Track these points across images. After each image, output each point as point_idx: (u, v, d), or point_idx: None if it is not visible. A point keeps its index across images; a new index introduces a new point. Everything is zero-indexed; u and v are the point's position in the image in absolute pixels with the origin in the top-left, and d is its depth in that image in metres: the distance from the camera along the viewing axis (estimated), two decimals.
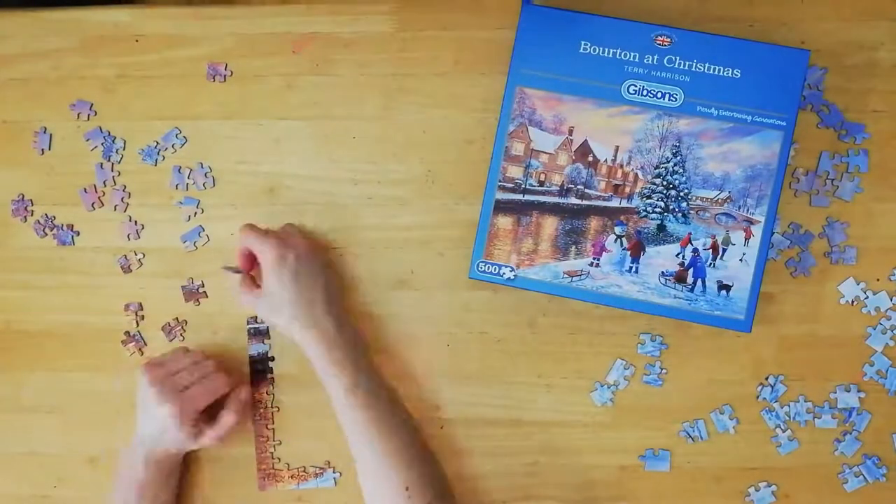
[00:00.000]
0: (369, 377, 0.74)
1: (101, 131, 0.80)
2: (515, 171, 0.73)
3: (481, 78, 0.78)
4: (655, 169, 0.73)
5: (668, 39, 0.71)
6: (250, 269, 0.76)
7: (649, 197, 0.73)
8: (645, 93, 0.72)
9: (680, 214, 0.73)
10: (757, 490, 0.78)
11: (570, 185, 0.74)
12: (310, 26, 0.79)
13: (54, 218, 0.81)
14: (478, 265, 0.74)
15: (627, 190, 0.73)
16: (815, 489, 0.78)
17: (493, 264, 0.74)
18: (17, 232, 0.81)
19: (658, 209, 0.73)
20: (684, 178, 0.72)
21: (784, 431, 0.78)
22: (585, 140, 0.73)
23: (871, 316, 0.78)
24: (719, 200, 0.72)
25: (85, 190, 0.81)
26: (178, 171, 0.80)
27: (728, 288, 0.72)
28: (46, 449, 0.81)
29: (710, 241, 0.73)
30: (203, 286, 0.80)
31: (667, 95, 0.72)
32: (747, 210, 0.72)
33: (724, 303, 0.72)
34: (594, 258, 0.73)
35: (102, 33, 0.80)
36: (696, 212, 0.73)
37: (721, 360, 0.78)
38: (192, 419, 0.73)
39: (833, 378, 0.78)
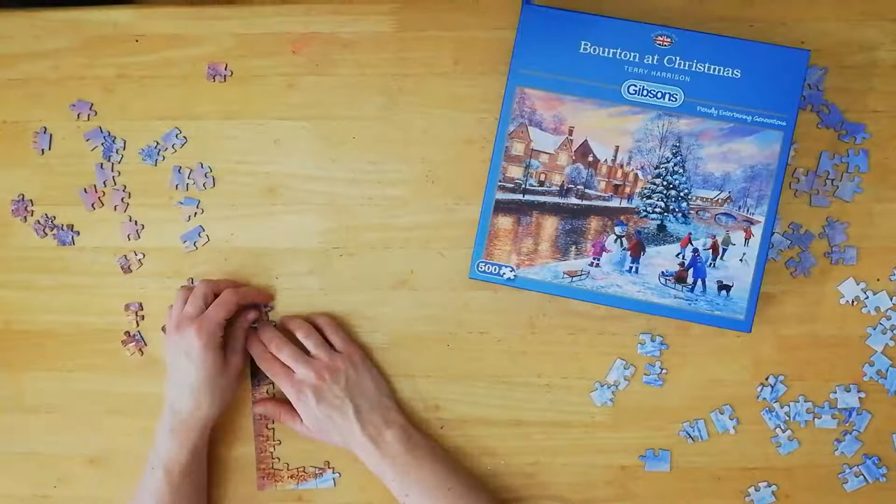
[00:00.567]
0: (420, 480, 0.74)
1: (101, 131, 0.80)
2: (515, 171, 0.74)
3: (481, 78, 0.78)
4: (655, 169, 0.73)
5: (668, 39, 0.71)
6: (285, 407, 0.78)
7: (649, 197, 0.73)
8: (645, 93, 0.72)
9: (680, 214, 0.73)
10: (757, 490, 0.79)
11: (571, 185, 0.74)
12: (310, 26, 0.79)
13: (54, 218, 0.81)
14: (478, 265, 0.74)
15: (627, 190, 0.73)
16: (815, 489, 0.78)
17: (493, 264, 0.74)
18: (17, 232, 0.81)
19: (658, 209, 0.73)
20: (684, 178, 0.72)
21: (784, 431, 0.78)
22: (585, 140, 0.73)
23: (871, 316, 0.78)
24: (719, 200, 0.72)
25: (85, 190, 0.81)
26: (178, 171, 0.80)
27: (728, 288, 0.72)
28: (46, 449, 0.81)
29: (710, 242, 0.73)
30: None
31: (667, 95, 0.72)
32: (747, 210, 0.72)
33: (724, 303, 0.72)
34: (594, 258, 0.73)
35: (102, 33, 0.80)
36: (696, 212, 0.73)
37: (721, 360, 0.78)
38: (214, 337, 0.73)
39: (833, 378, 0.78)
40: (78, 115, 0.80)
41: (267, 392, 0.80)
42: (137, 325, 0.81)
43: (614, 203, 0.73)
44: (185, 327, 0.73)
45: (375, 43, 0.79)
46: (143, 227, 0.81)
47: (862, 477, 0.78)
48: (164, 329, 0.79)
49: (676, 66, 0.71)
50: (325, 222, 0.80)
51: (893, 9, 0.77)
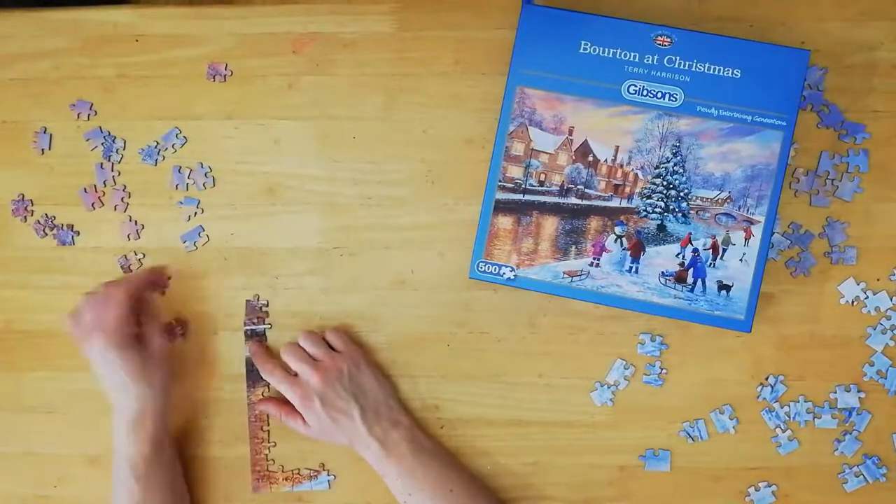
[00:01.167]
0: (424, 477, 0.75)
1: (101, 131, 0.80)
2: (515, 171, 0.73)
3: (481, 78, 0.78)
4: (655, 169, 0.73)
5: (668, 39, 0.71)
6: (288, 407, 0.78)
7: (649, 197, 0.73)
8: (645, 93, 0.72)
9: (680, 214, 0.73)
10: (757, 490, 0.79)
11: (570, 185, 0.74)
12: (310, 26, 0.79)
13: (54, 218, 0.81)
14: (478, 265, 0.74)
15: (627, 190, 0.73)
16: (815, 489, 0.78)
17: (493, 264, 0.74)
18: (17, 232, 0.81)
19: (658, 209, 0.73)
20: (684, 178, 0.72)
21: (784, 431, 0.78)
22: (585, 140, 0.73)
23: (871, 316, 0.78)
24: (719, 200, 0.72)
25: (85, 190, 0.81)
26: (178, 171, 0.80)
27: (728, 288, 0.72)
28: (46, 449, 0.81)
29: (710, 241, 0.73)
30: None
31: (667, 95, 0.72)
32: (747, 210, 0.72)
33: (724, 303, 0.72)
34: (594, 258, 0.73)
35: (102, 33, 0.80)
36: (696, 212, 0.73)
37: (721, 360, 0.78)
38: (116, 335, 0.71)
39: (833, 378, 0.78)
40: (78, 115, 0.80)
41: (263, 394, 0.80)
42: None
43: (614, 203, 0.73)
44: (87, 336, 0.72)
45: (375, 43, 0.79)
46: (143, 227, 0.81)
47: (862, 477, 0.78)
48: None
49: (676, 66, 0.71)
50: (325, 222, 0.80)
51: (893, 9, 0.77)
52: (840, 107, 0.77)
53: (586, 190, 0.73)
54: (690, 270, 0.73)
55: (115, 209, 0.81)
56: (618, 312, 0.77)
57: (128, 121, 0.80)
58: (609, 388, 0.79)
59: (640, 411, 0.79)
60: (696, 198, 0.73)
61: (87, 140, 0.80)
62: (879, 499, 0.78)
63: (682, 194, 0.73)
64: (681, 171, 0.72)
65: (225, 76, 0.80)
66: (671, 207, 0.73)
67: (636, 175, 0.73)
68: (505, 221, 0.74)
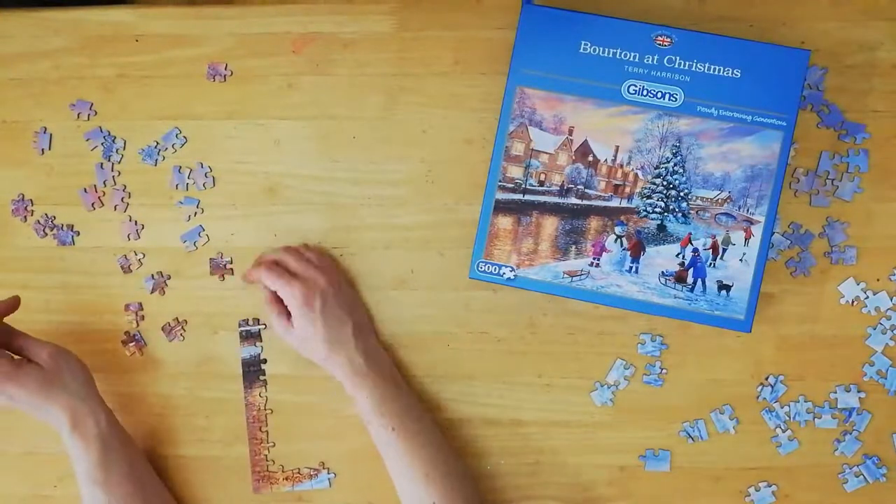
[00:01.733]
0: (396, 400, 0.75)
1: (101, 131, 0.80)
2: (515, 171, 0.73)
3: (481, 78, 0.78)
4: (655, 169, 0.73)
5: (668, 39, 0.71)
6: (280, 306, 0.77)
7: (649, 197, 0.73)
8: (645, 93, 0.72)
9: (680, 214, 0.73)
10: (757, 490, 0.79)
11: (570, 185, 0.74)
12: (310, 26, 0.79)
13: (54, 218, 0.81)
14: (478, 265, 0.74)
15: (627, 190, 0.73)
16: (815, 489, 0.78)
17: (493, 264, 0.74)
18: (17, 232, 0.81)
19: (658, 209, 0.73)
20: (684, 178, 0.72)
21: (784, 431, 0.78)
22: (585, 140, 0.73)
23: (871, 316, 0.78)
24: (719, 200, 0.72)
25: (85, 190, 0.81)
26: (178, 171, 0.80)
27: (728, 288, 0.72)
28: (46, 449, 0.81)
29: (710, 241, 0.73)
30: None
31: (667, 95, 0.72)
32: (747, 210, 0.72)
33: (724, 303, 0.72)
34: (594, 258, 0.73)
35: (102, 33, 0.80)
36: (696, 212, 0.73)
37: (721, 360, 0.78)
38: None
39: (833, 378, 0.78)
40: (78, 115, 0.80)
41: (259, 395, 0.80)
42: (137, 325, 0.81)
43: (614, 203, 0.73)
44: None
45: (375, 43, 0.79)
46: (143, 227, 0.81)
47: (862, 477, 0.78)
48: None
49: (676, 66, 0.71)
50: (325, 222, 0.80)
51: (893, 9, 0.77)
52: (840, 107, 0.77)
53: (586, 190, 0.73)
54: (690, 270, 0.73)
55: (115, 209, 0.81)
56: (618, 312, 0.77)
57: (128, 121, 0.80)
58: (609, 388, 0.79)
59: (640, 411, 0.79)
60: (696, 198, 0.73)
61: (87, 140, 0.80)
62: (879, 499, 0.78)
63: (682, 194, 0.73)
64: (681, 171, 0.72)
65: (225, 76, 0.80)
66: (671, 207, 0.73)
67: (636, 175, 0.73)
68: (505, 221, 0.74)
